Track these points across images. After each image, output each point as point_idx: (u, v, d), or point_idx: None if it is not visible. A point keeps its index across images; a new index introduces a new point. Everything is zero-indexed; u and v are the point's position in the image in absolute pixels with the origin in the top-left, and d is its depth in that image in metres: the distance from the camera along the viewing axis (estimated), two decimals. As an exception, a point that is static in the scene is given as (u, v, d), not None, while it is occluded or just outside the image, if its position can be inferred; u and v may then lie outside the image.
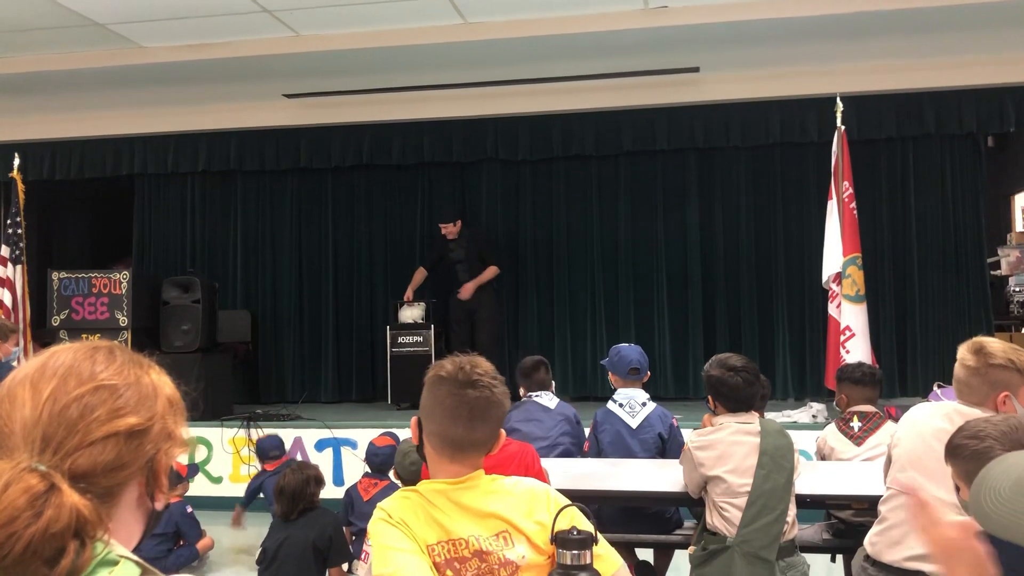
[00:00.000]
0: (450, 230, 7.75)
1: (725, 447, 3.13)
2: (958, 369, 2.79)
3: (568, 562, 1.62)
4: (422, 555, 1.71)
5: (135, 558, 0.98)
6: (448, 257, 7.87)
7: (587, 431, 4.41)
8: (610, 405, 4.28)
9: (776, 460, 3.06)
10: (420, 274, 7.91)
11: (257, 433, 6.69)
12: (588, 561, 1.63)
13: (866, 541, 2.88)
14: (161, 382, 1.11)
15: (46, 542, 0.88)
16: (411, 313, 7.65)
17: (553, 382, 4.58)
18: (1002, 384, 2.69)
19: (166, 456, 1.07)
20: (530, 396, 4.42)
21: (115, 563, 0.94)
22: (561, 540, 1.65)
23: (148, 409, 1.05)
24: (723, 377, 3.17)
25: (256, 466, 6.60)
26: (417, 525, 1.74)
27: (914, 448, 2.78)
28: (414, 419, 1.89)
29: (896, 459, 2.84)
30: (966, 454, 1.95)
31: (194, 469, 6.49)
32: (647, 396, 4.30)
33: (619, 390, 4.30)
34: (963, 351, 2.79)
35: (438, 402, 1.80)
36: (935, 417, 2.79)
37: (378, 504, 1.82)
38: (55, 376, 1.02)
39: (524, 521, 1.79)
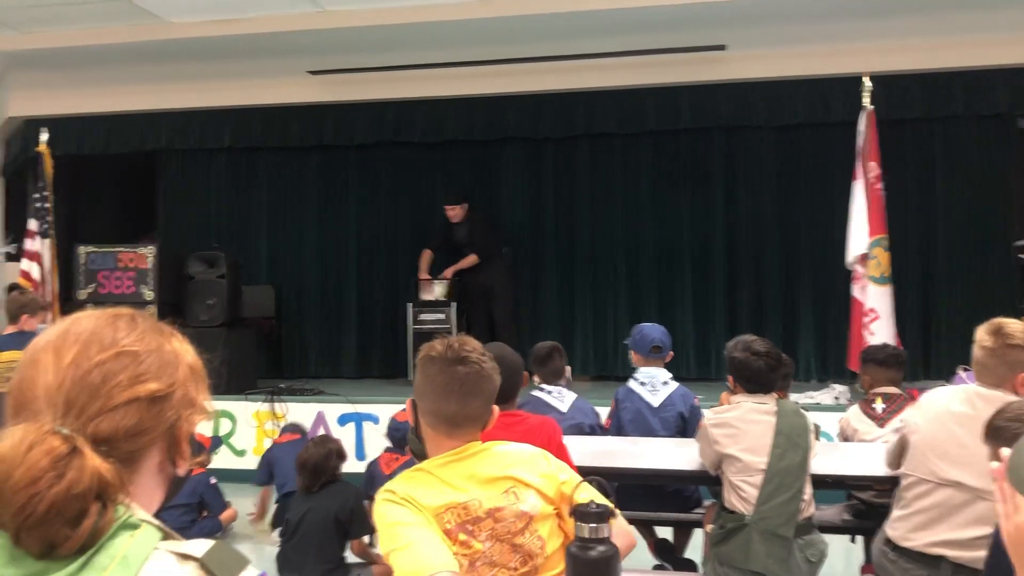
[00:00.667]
0: (456, 212, 7.79)
1: (741, 425, 3.14)
2: (977, 351, 2.78)
3: (586, 535, 1.64)
4: (431, 525, 1.74)
5: (156, 522, 0.99)
6: (453, 239, 7.91)
7: (604, 411, 4.40)
8: (631, 383, 4.27)
9: (792, 439, 3.06)
10: (427, 255, 7.92)
11: (281, 407, 6.76)
12: (607, 534, 1.65)
13: (887, 527, 2.87)
14: (183, 349, 1.12)
15: (68, 503, 0.90)
16: (434, 291, 7.68)
17: (569, 367, 4.26)
18: (1020, 364, 2.69)
19: (187, 423, 1.07)
20: (542, 389, 4.08)
21: (136, 527, 0.96)
22: (580, 513, 1.66)
23: (169, 376, 1.06)
24: (747, 360, 3.18)
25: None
26: (424, 496, 1.77)
27: (935, 434, 2.76)
28: (409, 400, 1.94)
29: (915, 445, 2.81)
30: (1007, 435, 1.94)
31: (217, 441, 6.56)
32: (669, 375, 4.28)
33: (641, 369, 4.29)
34: (981, 332, 2.78)
35: (430, 380, 1.86)
36: (954, 401, 2.77)
37: (381, 487, 1.85)
38: (77, 342, 1.02)
39: (530, 476, 1.86)
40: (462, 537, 1.76)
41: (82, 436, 0.95)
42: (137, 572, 0.92)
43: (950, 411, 2.75)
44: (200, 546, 0.97)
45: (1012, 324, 2.76)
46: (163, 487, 1.08)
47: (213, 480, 5.14)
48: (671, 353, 4.38)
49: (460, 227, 7.87)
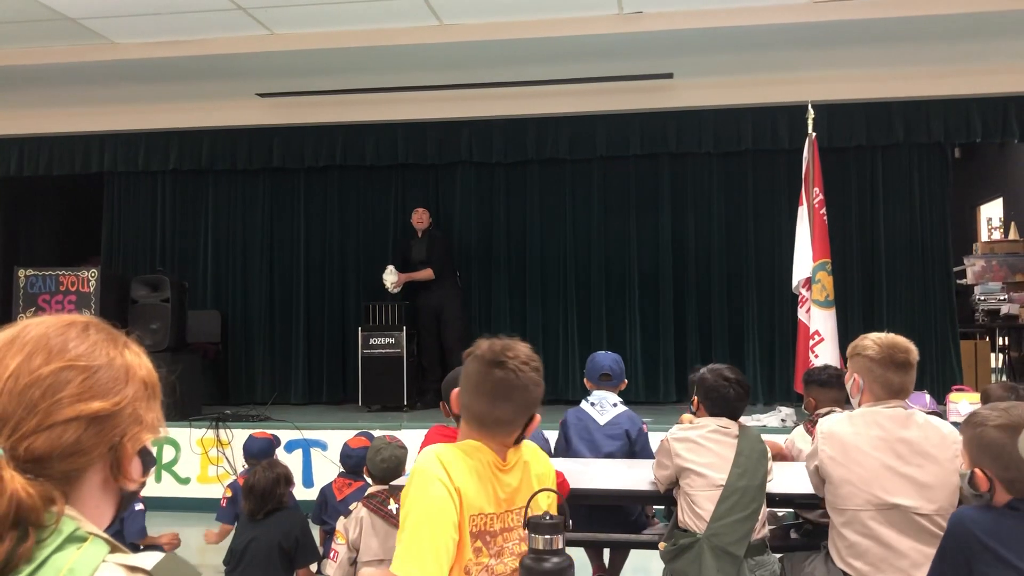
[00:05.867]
0: (422, 219, 7.88)
1: (703, 442, 3.19)
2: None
3: (540, 547, 1.63)
4: (454, 531, 1.75)
5: (105, 536, 0.96)
6: (411, 258, 7.91)
7: (552, 435, 4.44)
8: (582, 403, 4.34)
9: (752, 461, 3.11)
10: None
11: (226, 434, 6.63)
12: (560, 546, 1.64)
13: (838, 562, 2.86)
14: (136, 363, 1.07)
15: None
16: (390, 280, 7.66)
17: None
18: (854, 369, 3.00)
19: (133, 441, 1.03)
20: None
21: (84, 539, 0.93)
22: (533, 525, 1.66)
23: (116, 393, 1.01)
24: (716, 384, 3.25)
25: (224, 467, 6.55)
26: (471, 493, 1.81)
27: (859, 463, 2.79)
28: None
29: (843, 480, 2.81)
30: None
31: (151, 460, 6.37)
32: (619, 399, 4.35)
33: (593, 392, 4.35)
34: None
35: (467, 377, 1.94)
36: (859, 427, 2.85)
37: (438, 451, 1.83)
38: (21, 351, 0.98)
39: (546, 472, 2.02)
40: (477, 544, 1.80)
41: (14, 454, 0.91)
42: None
43: (864, 437, 2.81)
44: (150, 558, 0.94)
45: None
46: (112, 502, 1.04)
47: (140, 506, 4.71)
48: (624, 382, 4.43)
49: (419, 243, 7.88)
